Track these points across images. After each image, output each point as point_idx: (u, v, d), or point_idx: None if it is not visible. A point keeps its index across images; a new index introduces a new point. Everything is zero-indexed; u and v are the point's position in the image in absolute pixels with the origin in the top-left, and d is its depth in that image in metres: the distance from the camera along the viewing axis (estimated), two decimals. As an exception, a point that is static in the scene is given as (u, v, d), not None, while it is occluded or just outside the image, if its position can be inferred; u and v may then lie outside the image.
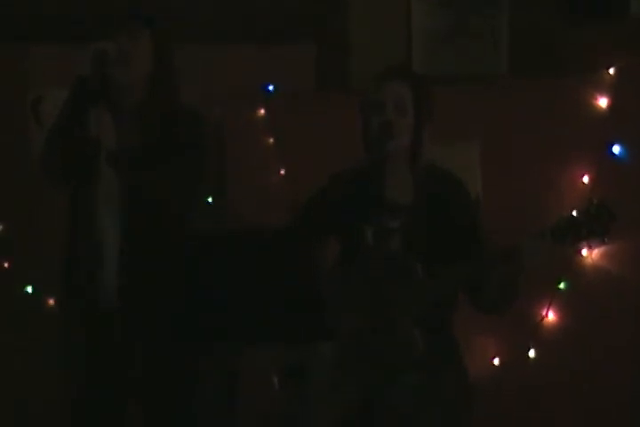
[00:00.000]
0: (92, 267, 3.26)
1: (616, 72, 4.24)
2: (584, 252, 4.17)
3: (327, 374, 3.04)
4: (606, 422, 4.20)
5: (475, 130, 4.24)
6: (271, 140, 4.35)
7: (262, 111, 4.38)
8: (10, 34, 4.36)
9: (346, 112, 3.38)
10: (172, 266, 3.11)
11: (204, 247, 2.90)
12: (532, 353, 4.22)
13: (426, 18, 4.55)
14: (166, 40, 3.35)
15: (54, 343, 3.45)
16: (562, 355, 4.20)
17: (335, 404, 3.02)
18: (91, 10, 4.18)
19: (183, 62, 3.38)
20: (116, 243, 3.27)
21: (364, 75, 4.19)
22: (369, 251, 3.08)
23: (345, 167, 3.22)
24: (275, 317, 2.82)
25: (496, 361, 4.24)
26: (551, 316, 4.23)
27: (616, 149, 4.20)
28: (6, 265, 4.43)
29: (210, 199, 4.31)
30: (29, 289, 4.43)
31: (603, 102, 4.24)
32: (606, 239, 2.90)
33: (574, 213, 2.91)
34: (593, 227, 2.88)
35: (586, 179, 4.22)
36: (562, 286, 4.20)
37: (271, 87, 4.38)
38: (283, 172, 4.34)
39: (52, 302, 4.33)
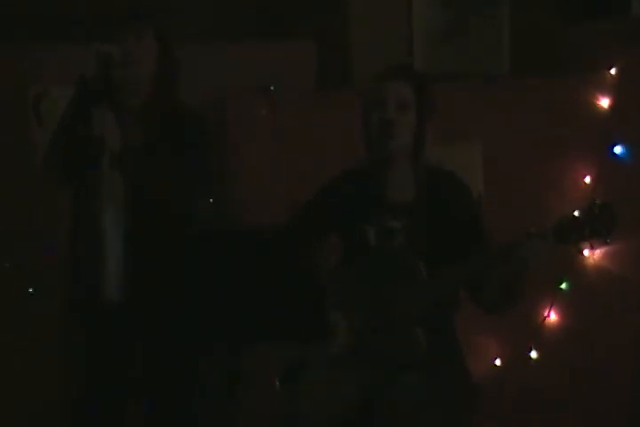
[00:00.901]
0: (94, 267, 3.26)
1: (617, 72, 4.23)
2: (586, 252, 4.17)
3: (327, 374, 3.04)
4: (606, 423, 4.20)
5: (475, 130, 4.23)
6: (271, 140, 4.34)
7: (262, 111, 4.37)
8: (10, 34, 4.35)
9: (346, 112, 3.38)
10: (172, 266, 3.10)
11: (204, 247, 2.89)
12: (533, 354, 4.22)
13: (426, 17, 4.55)
14: (169, 40, 3.36)
15: (54, 343, 3.45)
16: (564, 356, 4.20)
17: (335, 404, 3.02)
18: (91, 10, 4.18)
19: (183, 62, 3.39)
20: (118, 242, 3.27)
21: (364, 74, 4.19)
22: (370, 251, 3.08)
23: (345, 167, 3.22)
24: (275, 316, 2.81)
25: (497, 362, 4.24)
26: (553, 316, 4.23)
27: (617, 149, 4.20)
28: (6, 265, 4.43)
29: (210, 199, 4.30)
30: (29, 289, 4.42)
31: (604, 102, 4.23)
32: (609, 239, 2.89)
33: (576, 212, 2.89)
34: (596, 227, 2.86)
35: (587, 179, 4.22)
36: (564, 286, 4.20)
37: (271, 87, 4.38)
38: (283, 172, 4.34)
39: (52, 302, 4.32)
